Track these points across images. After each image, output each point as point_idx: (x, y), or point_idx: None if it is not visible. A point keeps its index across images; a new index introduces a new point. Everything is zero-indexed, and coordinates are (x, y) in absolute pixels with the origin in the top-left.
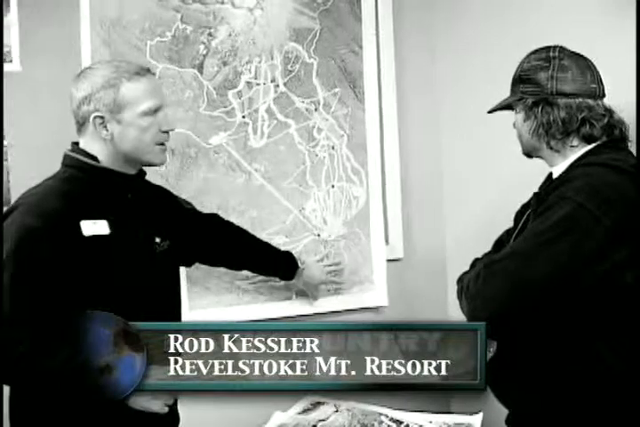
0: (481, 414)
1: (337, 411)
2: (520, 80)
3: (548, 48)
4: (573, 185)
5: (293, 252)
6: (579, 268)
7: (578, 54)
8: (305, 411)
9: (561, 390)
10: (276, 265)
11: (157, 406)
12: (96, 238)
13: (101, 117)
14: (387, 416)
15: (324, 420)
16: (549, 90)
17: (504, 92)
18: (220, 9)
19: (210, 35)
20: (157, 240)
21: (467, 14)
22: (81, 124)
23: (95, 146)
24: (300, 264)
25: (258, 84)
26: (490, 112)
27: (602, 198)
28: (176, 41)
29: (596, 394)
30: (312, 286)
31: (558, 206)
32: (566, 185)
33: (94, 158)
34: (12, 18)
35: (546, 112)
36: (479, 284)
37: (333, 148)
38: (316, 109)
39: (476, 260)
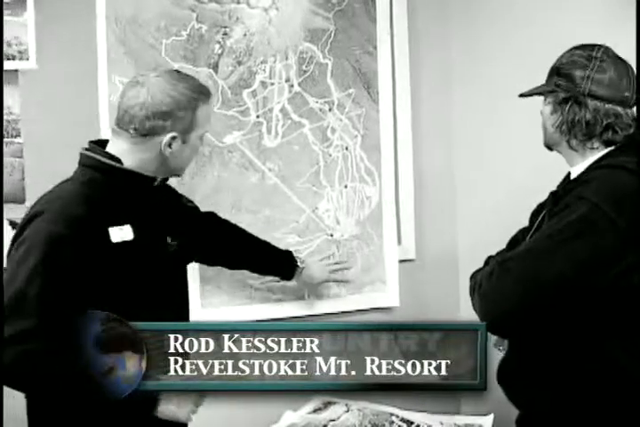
0: (492, 416)
1: (348, 411)
2: (557, 72)
3: (592, 46)
4: (591, 186)
5: (306, 252)
6: (593, 268)
7: (620, 59)
8: (316, 411)
9: (573, 390)
10: (274, 264)
11: (184, 415)
12: (123, 244)
13: (175, 137)
14: (397, 417)
15: (334, 420)
16: (582, 89)
17: (521, 90)
18: (236, 8)
19: (225, 34)
20: (169, 240)
21: (482, 15)
22: (142, 134)
23: (138, 154)
24: (299, 264)
25: (272, 84)
26: (522, 96)
27: (618, 200)
28: (191, 40)
29: (608, 394)
30: (312, 286)
31: (575, 207)
32: (584, 186)
33: (118, 161)
34: (28, 16)
35: (573, 111)
36: (492, 281)
37: (347, 148)
38: (330, 110)
39: (490, 257)
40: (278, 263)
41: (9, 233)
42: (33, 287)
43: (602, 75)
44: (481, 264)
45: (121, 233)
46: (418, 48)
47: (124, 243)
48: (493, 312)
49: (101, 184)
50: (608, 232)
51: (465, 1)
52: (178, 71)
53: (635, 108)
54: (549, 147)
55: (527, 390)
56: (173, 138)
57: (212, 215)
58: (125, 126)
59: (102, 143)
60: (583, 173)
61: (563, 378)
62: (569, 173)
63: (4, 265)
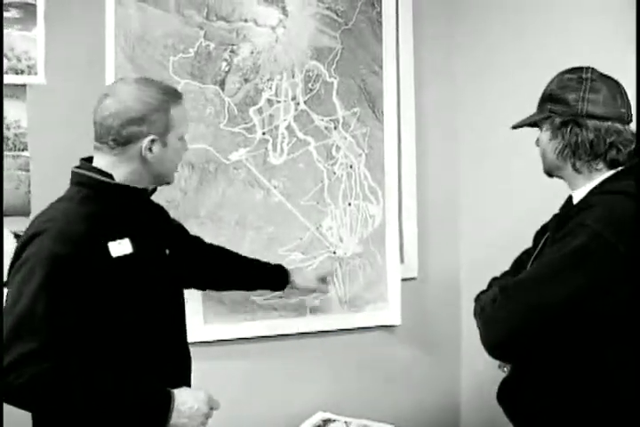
0: None
1: None
2: (549, 99)
3: (580, 69)
4: (592, 212)
5: (309, 269)
6: (594, 296)
7: (609, 77)
8: None
9: (571, 411)
10: (265, 280)
11: None
12: (123, 258)
13: (154, 140)
14: None
15: None
16: (579, 111)
17: (524, 113)
18: (243, 27)
19: (232, 52)
20: (167, 251)
21: (487, 36)
22: (121, 144)
23: (123, 165)
24: (291, 277)
25: (278, 102)
26: (514, 128)
27: (619, 227)
28: (199, 57)
29: (606, 416)
30: (303, 293)
31: (576, 234)
32: (585, 212)
33: (109, 176)
34: (38, 31)
35: (574, 133)
36: (495, 308)
37: (351, 166)
38: (335, 128)
39: (494, 279)
40: (269, 278)
41: (12, 244)
42: (39, 307)
43: (595, 95)
44: (483, 283)
45: (120, 247)
46: (423, 68)
47: (125, 256)
48: (494, 339)
49: (96, 200)
50: (609, 260)
51: (471, 22)
52: (146, 78)
53: (633, 124)
54: (549, 173)
55: (526, 410)
56: (152, 141)
57: (198, 238)
58: (104, 139)
59: (92, 160)
60: (585, 198)
61: (561, 400)
62: (571, 197)
63: (5, 279)
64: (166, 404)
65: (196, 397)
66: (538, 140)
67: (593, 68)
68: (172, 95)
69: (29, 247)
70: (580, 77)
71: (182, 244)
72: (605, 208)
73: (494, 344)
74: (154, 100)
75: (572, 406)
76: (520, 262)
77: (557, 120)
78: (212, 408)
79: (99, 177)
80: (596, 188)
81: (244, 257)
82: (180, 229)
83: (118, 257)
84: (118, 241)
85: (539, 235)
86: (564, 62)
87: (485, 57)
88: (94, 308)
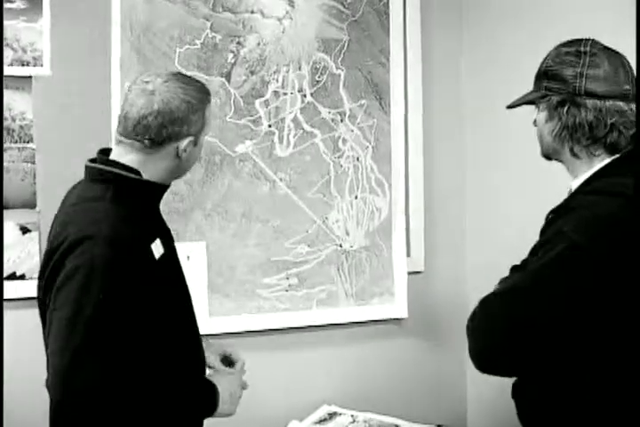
0: None
1: (353, 422)
2: (545, 75)
3: (579, 41)
4: (572, 217)
5: (315, 262)
6: (574, 307)
7: (611, 50)
8: (321, 421)
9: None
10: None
11: (234, 409)
12: (161, 259)
13: (192, 140)
14: None
15: None
16: (577, 89)
17: (532, 107)
18: (250, 18)
19: (239, 43)
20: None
21: (496, 27)
22: (157, 143)
23: (154, 163)
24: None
25: (285, 94)
26: (509, 107)
27: (598, 233)
28: (205, 49)
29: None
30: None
31: (554, 242)
32: (567, 216)
33: (136, 172)
34: (44, 22)
35: (572, 114)
36: (476, 319)
37: (358, 159)
38: (341, 120)
39: (502, 281)
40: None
41: (18, 237)
42: (106, 320)
43: (595, 70)
44: (489, 277)
45: (157, 248)
46: (430, 60)
47: (161, 257)
48: (475, 349)
49: (127, 199)
50: (587, 269)
51: (479, 13)
52: (180, 73)
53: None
54: (548, 156)
55: (530, 410)
56: (189, 142)
57: None
58: (139, 137)
59: (106, 153)
60: (572, 196)
61: (557, 405)
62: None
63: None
64: (213, 395)
65: (231, 382)
66: (535, 120)
67: (593, 40)
68: (207, 94)
69: (74, 255)
70: (577, 51)
71: None
72: (586, 212)
73: (478, 356)
74: (194, 99)
75: (566, 412)
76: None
77: (554, 99)
78: (242, 389)
79: (128, 174)
80: (584, 184)
81: None
82: None
83: (159, 258)
84: (155, 242)
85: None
86: None
87: (494, 48)
88: (147, 310)
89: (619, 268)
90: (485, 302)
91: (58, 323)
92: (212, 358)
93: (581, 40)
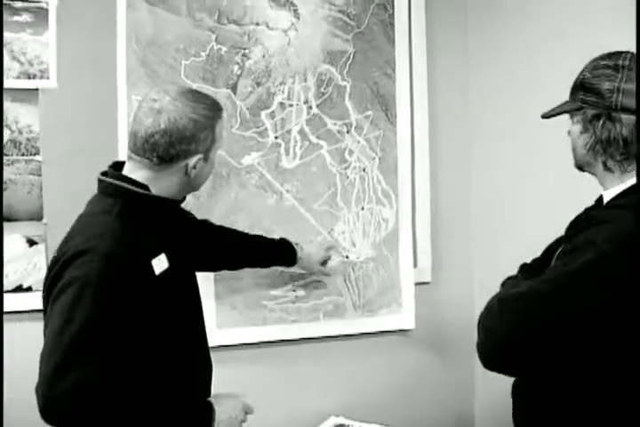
0: None
1: None
2: (582, 87)
3: (617, 54)
4: (603, 229)
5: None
6: (597, 314)
7: None
8: None
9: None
10: (275, 255)
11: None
12: (163, 274)
13: (201, 158)
14: None
15: None
16: (613, 103)
17: (538, 119)
18: (255, 30)
19: (244, 55)
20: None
21: (501, 38)
22: (166, 161)
23: (163, 180)
24: (298, 249)
25: (291, 106)
26: (544, 117)
27: (628, 246)
28: (210, 61)
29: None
30: (314, 264)
31: (584, 250)
32: (597, 227)
33: (145, 188)
34: (50, 35)
35: (607, 129)
36: (492, 317)
37: (364, 170)
38: (348, 131)
39: (508, 278)
40: (278, 254)
41: (25, 249)
42: (94, 331)
43: (633, 85)
44: (496, 287)
45: (160, 264)
46: (436, 71)
47: (163, 272)
48: (487, 347)
49: (134, 214)
50: (614, 281)
51: (484, 24)
52: (190, 90)
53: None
54: (581, 168)
55: (527, 410)
56: (198, 159)
57: (207, 222)
58: (147, 155)
59: (118, 166)
60: (602, 210)
61: (557, 407)
62: (601, 197)
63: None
64: (208, 416)
65: (233, 405)
66: (569, 131)
67: (632, 54)
68: (217, 110)
69: (73, 267)
70: (616, 65)
71: (196, 232)
72: (616, 226)
73: (486, 352)
74: (203, 117)
75: (563, 415)
76: (528, 267)
77: (589, 112)
78: (246, 413)
79: (136, 189)
80: (615, 197)
81: (252, 235)
82: (193, 220)
83: (160, 274)
84: (158, 257)
85: (552, 247)
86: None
87: (499, 59)
88: (141, 326)
89: None
90: (505, 301)
91: (49, 332)
92: None
93: (620, 53)
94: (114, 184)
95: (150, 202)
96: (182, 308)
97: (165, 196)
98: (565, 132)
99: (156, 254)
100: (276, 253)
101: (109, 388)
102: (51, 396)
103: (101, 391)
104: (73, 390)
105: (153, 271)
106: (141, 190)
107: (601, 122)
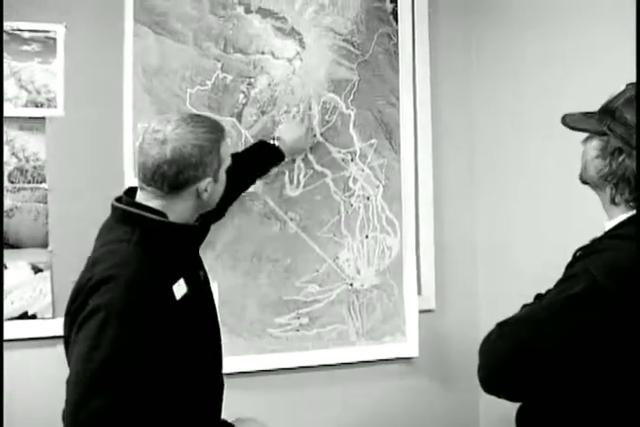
0: None
1: None
2: (612, 113)
3: None
4: (598, 258)
5: (326, 301)
6: (587, 342)
7: None
8: None
9: None
10: (264, 163)
11: None
12: (182, 299)
13: (210, 181)
14: None
15: None
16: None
17: (545, 146)
18: (261, 59)
19: (249, 84)
20: (201, 273)
21: (506, 66)
22: (176, 188)
23: (177, 205)
24: (275, 141)
25: None
26: (567, 126)
27: (622, 277)
28: (216, 89)
29: None
30: (301, 143)
31: (578, 279)
32: (595, 256)
33: (162, 215)
34: (57, 64)
35: (625, 166)
36: (489, 342)
37: (369, 198)
38: (352, 160)
39: (524, 306)
40: (265, 159)
41: (30, 276)
42: (121, 358)
43: None
44: (501, 314)
45: (180, 289)
46: (440, 100)
47: (183, 297)
48: (482, 371)
49: (153, 241)
50: (605, 310)
51: (489, 53)
52: (190, 115)
53: None
54: (585, 182)
55: None
56: (208, 182)
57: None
58: (157, 184)
59: (131, 192)
60: (600, 239)
61: None
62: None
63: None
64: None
65: None
66: (585, 141)
67: None
68: (219, 131)
69: (97, 295)
70: None
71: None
72: (612, 255)
73: (485, 376)
74: (206, 141)
75: None
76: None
77: (612, 142)
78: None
79: (153, 217)
80: (616, 227)
81: (237, 165)
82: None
83: (180, 299)
84: (178, 283)
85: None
86: (587, 93)
87: (504, 88)
88: (164, 351)
89: (633, 311)
90: (503, 326)
91: (75, 358)
92: None
93: None
94: (131, 212)
95: (168, 229)
96: (201, 332)
97: (183, 220)
98: (570, 163)
99: (175, 280)
100: (264, 160)
101: (134, 414)
102: (78, 421)
103: (126, 418)
104: (100, 415)
105: (174, 297)
106: (158, 217)
107: (622, 157)
